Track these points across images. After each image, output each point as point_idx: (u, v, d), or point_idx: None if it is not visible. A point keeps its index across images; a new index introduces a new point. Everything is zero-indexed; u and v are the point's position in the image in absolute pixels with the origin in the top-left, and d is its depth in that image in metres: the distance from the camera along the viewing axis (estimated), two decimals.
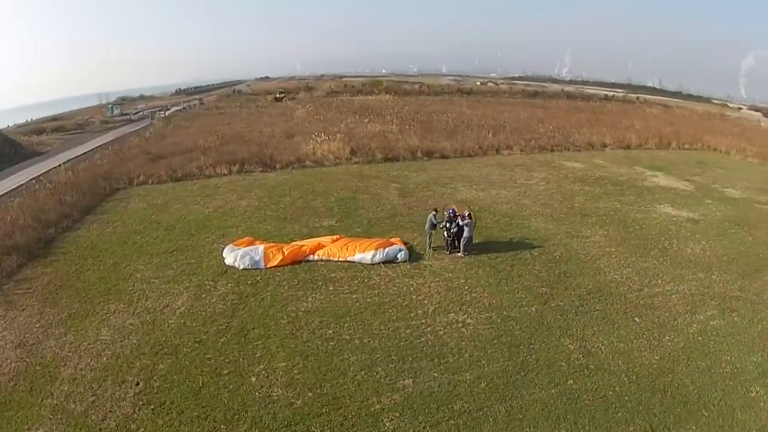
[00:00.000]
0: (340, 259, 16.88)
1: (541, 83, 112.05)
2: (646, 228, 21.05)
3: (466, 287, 15.25)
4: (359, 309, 13.88)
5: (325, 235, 18.61)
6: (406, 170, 29.93)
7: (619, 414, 9.93)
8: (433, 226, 17.61)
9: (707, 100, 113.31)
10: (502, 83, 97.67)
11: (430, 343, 12.32)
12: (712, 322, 13.46)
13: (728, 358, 11.95)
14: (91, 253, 17.83)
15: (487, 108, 56.80)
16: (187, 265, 16.71)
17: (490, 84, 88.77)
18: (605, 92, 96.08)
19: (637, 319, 13.51)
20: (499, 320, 13.42)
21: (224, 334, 12.65)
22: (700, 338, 12.73)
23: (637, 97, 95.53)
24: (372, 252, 16.91)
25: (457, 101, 64.90)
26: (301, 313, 13.66)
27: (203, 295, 14.67)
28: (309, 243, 17.70)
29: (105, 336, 12.56)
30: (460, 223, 17.35)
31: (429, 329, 12.91)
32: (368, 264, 16.62)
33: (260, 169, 28.86)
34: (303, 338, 12.52)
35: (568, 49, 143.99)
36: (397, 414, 9.83)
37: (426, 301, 14.36)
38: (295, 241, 18.24)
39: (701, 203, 25.65)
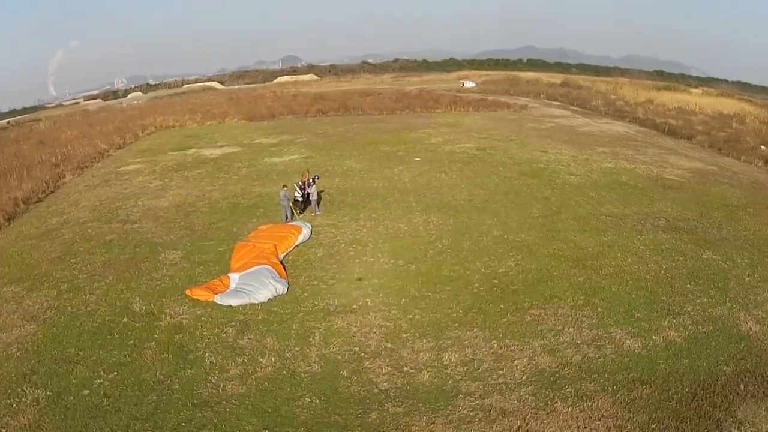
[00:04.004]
0: (292, 248, 16.95)
1: None
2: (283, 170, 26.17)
3: (385, 215, 19.18)
4: (400, 246, 16.54)
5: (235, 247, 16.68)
6: (55, 216, 21.26)
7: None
8: (288, 199, 19.16)
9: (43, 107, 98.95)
10: None
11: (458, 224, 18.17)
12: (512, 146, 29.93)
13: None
14: None
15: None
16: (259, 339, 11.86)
17: None
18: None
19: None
20: (453, 215, 18.88)
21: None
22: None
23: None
24: (302, 232, 17.57)
25: None
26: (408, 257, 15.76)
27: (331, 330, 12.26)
28: (262, 247, 16.15)
29: None
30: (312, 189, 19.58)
31: (435, 221, 18.44)
32: (307, 240, 17.34)
33: None
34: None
35: None
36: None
37: (388, 229, 17.98)
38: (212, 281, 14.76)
39: (273, 152, 31.04)
